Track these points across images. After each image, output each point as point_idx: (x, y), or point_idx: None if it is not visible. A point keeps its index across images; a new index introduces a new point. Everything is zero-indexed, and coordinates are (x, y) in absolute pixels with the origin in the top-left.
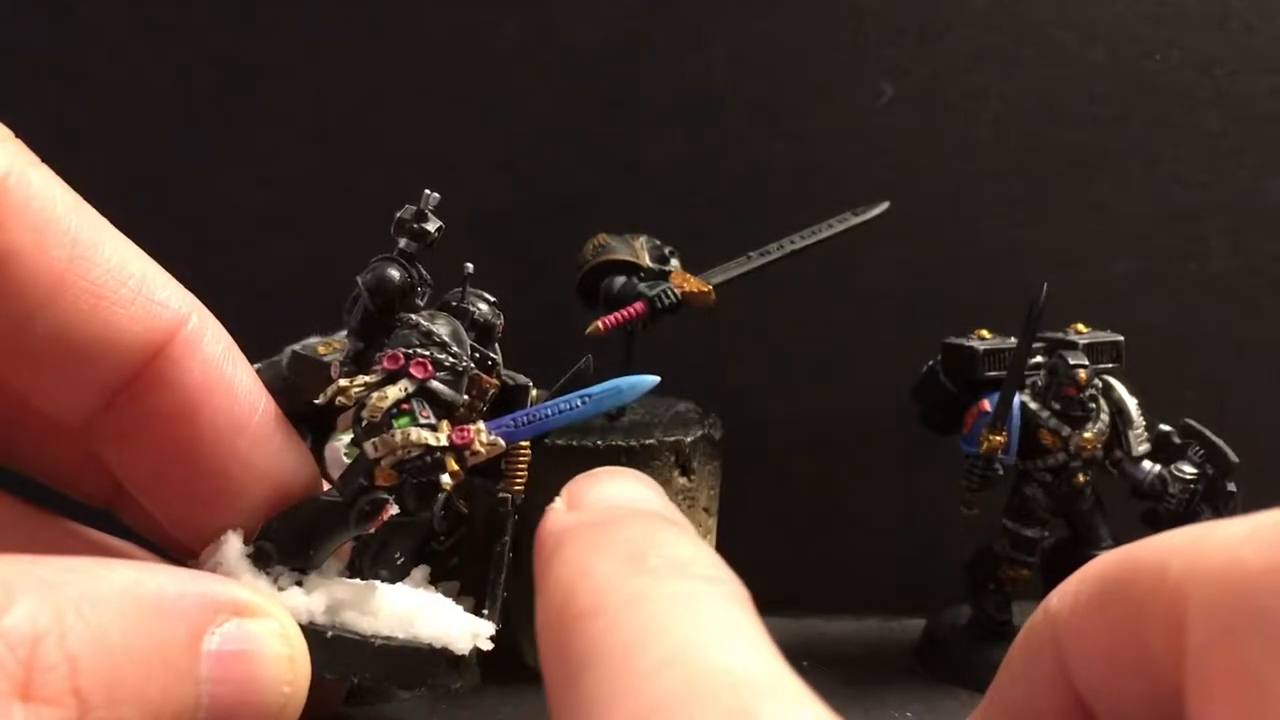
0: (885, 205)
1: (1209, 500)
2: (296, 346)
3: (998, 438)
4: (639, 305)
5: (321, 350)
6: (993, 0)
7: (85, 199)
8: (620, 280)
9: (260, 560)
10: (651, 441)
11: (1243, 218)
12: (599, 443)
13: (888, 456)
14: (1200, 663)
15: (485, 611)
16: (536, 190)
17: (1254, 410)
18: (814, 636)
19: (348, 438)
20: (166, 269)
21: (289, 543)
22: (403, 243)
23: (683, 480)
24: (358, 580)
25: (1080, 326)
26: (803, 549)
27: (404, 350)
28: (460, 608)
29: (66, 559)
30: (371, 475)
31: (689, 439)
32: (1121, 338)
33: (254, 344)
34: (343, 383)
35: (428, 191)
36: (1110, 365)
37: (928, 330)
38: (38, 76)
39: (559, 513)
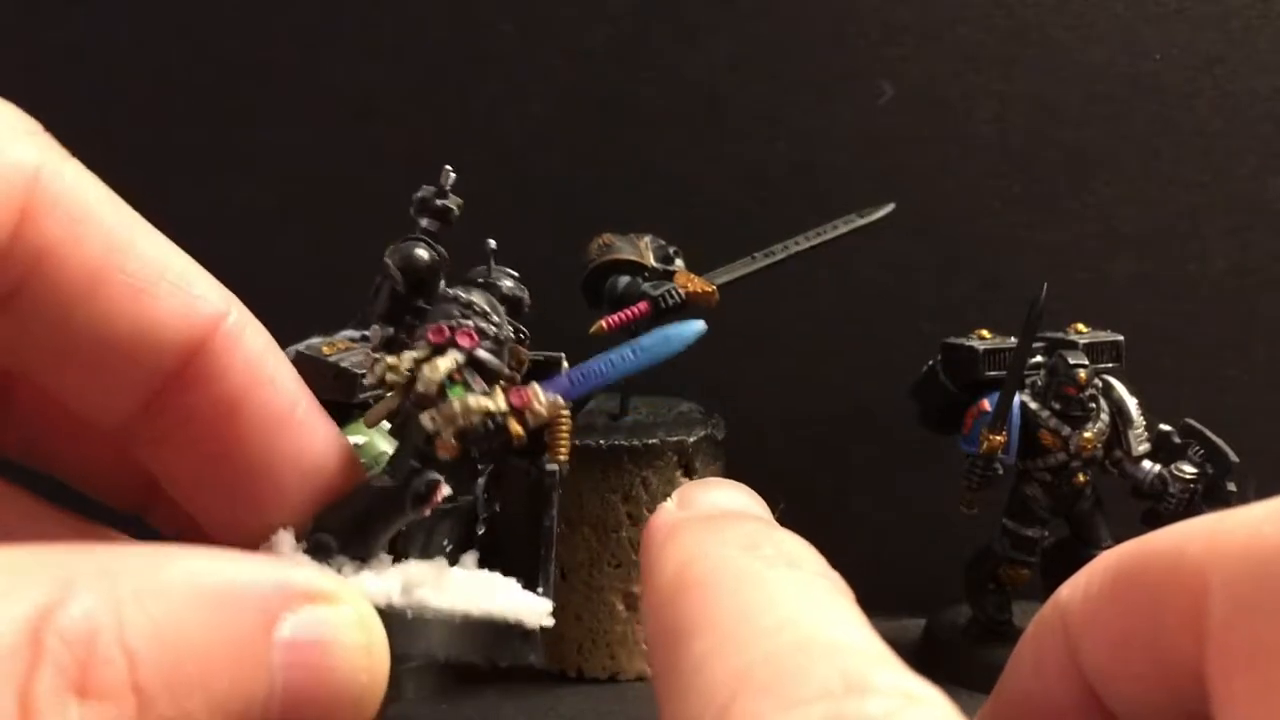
0: (891, 207)
1: (1209, 500)
2: (300, 346)
3: (998, 437)
4: (643, 305)
5: (326, 350)
6: (993, 0)
7: None
8: (624, 280)
9: (320, 553)
10: (655, 441)
11: (1243, 218)
12: (602, 443)
13: (888, 456)
14: (1222, 639)
15: (540, 589)
16: (536, 190)
17: (1254, 410)
18: None
19: (352, 439)
20: None
21: (347, 533)
22: (425, 222)
23: (686, 480)
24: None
25: (1080, 326)
26: None
27: (447, 322)
28: (517, 585)
29: (128, 546)
30: (425, 455)
31: (692, 439)
32: (1121, 338)
33: None
34: (390, 359)
35: (447, 168)
36: (1110, 365)
37: (928, 330)
38: (37, 77)
39: (670, 510)
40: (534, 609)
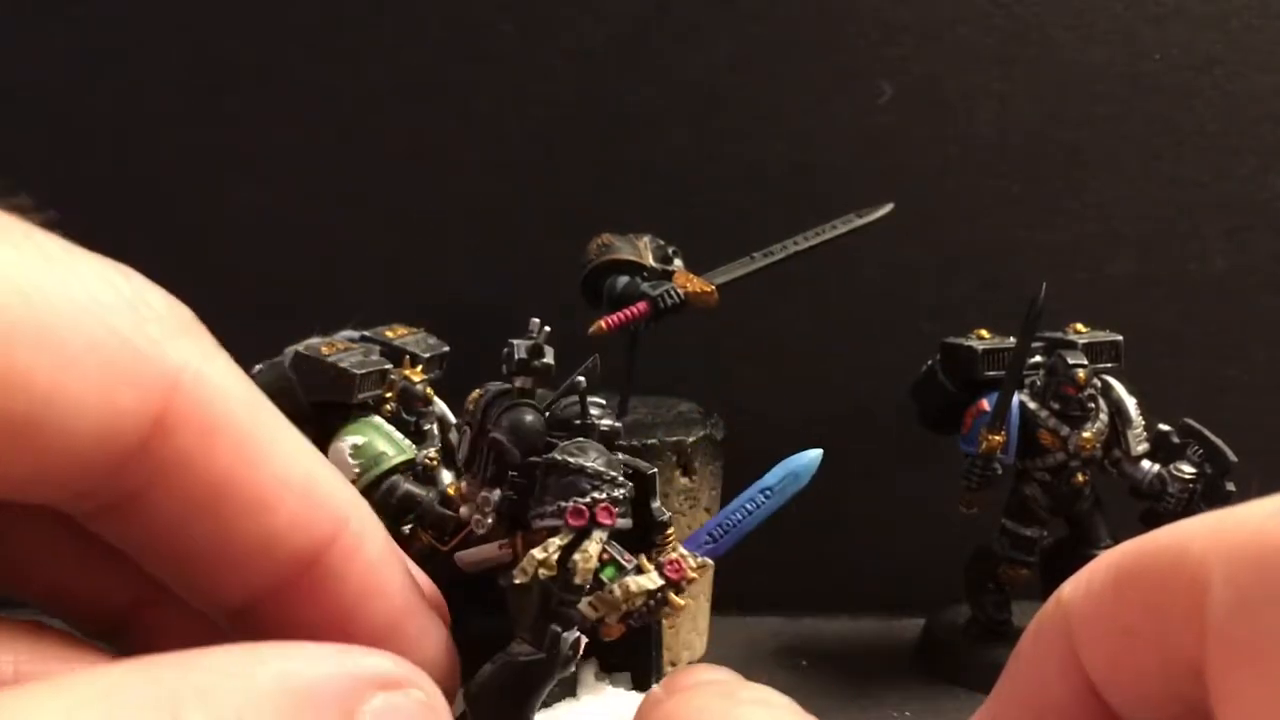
0: (890, 206)
1: (1208, 500)
2: (299, 346)
3: (997, 437)
4: (642, 305)
5: (325, 350)
6: (992, 0)
7: (87, 200)
8: (624, 280)
9: None
10: (653, 441)
11: (1243, 218)
12: None
13: (888, 456)
14: (1222, 632)
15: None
16: (537, 190)
17: (1254, 410)
18: (812, 636)
19: (351, 440)
20: (167, 271)
21: (503, 711)
22: (519, 381)
23: (684, 480)
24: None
25: (1080, 326)
26: (802, 549)
27: (582, 500)
28: (634, 693)
29: (223, 655)
30: (562, 617)
31: (691, 439)
32: (1121, 338)
33: (255, 345)
34: (538, 554)
35: (536, 320)
36: (1110, 365)
37: (928, 330)
38: (37, 76)
39: (658, 693)
40: None
